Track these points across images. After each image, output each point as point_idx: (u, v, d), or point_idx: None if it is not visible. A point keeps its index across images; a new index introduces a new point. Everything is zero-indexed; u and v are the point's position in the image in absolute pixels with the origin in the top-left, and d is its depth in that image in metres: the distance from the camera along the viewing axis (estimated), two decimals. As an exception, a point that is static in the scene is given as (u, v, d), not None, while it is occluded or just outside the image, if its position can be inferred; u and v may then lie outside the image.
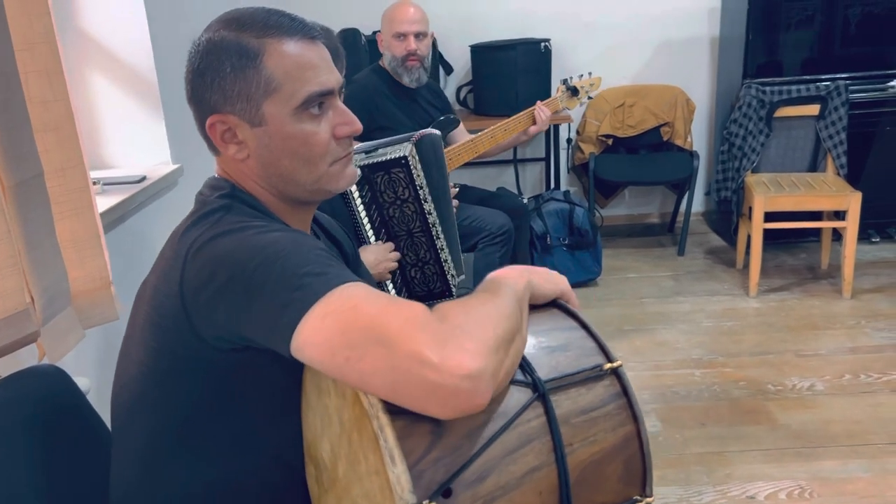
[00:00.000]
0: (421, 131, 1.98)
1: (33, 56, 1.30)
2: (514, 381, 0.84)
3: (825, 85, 3.41)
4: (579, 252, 3.46)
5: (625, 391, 0.91)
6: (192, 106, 1.00)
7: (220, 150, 0.99)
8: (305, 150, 0.97)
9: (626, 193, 4.31)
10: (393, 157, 1.80)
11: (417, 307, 0.79)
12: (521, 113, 2.75)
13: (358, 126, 1.01)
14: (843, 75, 3.47)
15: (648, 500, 0.90)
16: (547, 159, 4.07)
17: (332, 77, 0.98)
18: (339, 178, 1.02)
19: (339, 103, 1.01)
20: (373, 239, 1.87)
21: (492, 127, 2.73)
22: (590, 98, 3.08)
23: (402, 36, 2.62)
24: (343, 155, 1.01)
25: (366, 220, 1.85)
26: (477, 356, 0.74)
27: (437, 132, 2.03)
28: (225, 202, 0.97)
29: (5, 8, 1.20)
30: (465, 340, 0.75)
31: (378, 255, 1.82)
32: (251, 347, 0.87)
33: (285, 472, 1.00)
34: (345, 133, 1.00)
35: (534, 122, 2.76)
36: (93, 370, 1.64)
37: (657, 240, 4.07)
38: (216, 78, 0.95)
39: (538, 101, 2.78)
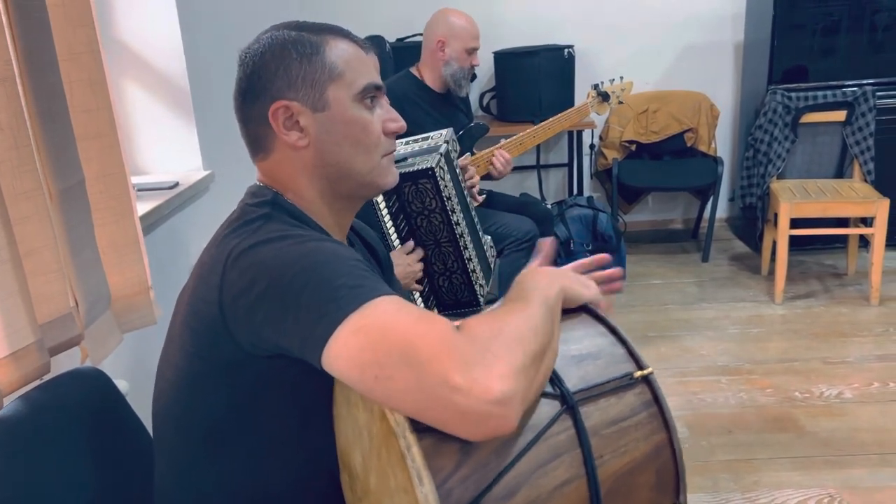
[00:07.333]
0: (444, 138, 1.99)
1: (77, 66, 1.34)
2: (542, 394, 0.83)
3: (852, 91, 3.38)
4: (603, 258, 3.45)
5: (656, 399, 0.89)
6: (248, 103, 1.02)
7: (282, 137, 1.01)
8: (364, 137, 1.03)
9: (650, 199, 4.30)
10: (420, 168, 1.81)
11: (446, 326, 0.78)
12: (486, 151, 2.66)
13: (403, 124, 1.07)
14: (870, 81, 3.44)
15: (682, 508, 0.90)
16: (570, 165, 4.07)
17: (379, 78, 1.06)
18: (387, 172, 1.08)
19: (387, 103, 1.07)
20: (398, 247, 1.88)
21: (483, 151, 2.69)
22: (620, 103, 3.06)
23: (474, 51, 2.70)
24: (391, 150, 1.07)
25: (392, 229, 1.86)
26: (506, 380, 0.73)
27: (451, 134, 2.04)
28: (265, 210, 0.98)
29: (50, 19, 1.24)
30: (494, 363, 0.74)
31: (399, 262, 1.81)
32: (285, 356, 0.88)
33: (321, 477, 1.01)
34: (392, 129, 1.06)
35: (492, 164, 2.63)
36: (130, 373, 1.67)
37: (681, 246, 4.05)
38: (281, 65, 1.00)
39: (499, 143, 2.71)
